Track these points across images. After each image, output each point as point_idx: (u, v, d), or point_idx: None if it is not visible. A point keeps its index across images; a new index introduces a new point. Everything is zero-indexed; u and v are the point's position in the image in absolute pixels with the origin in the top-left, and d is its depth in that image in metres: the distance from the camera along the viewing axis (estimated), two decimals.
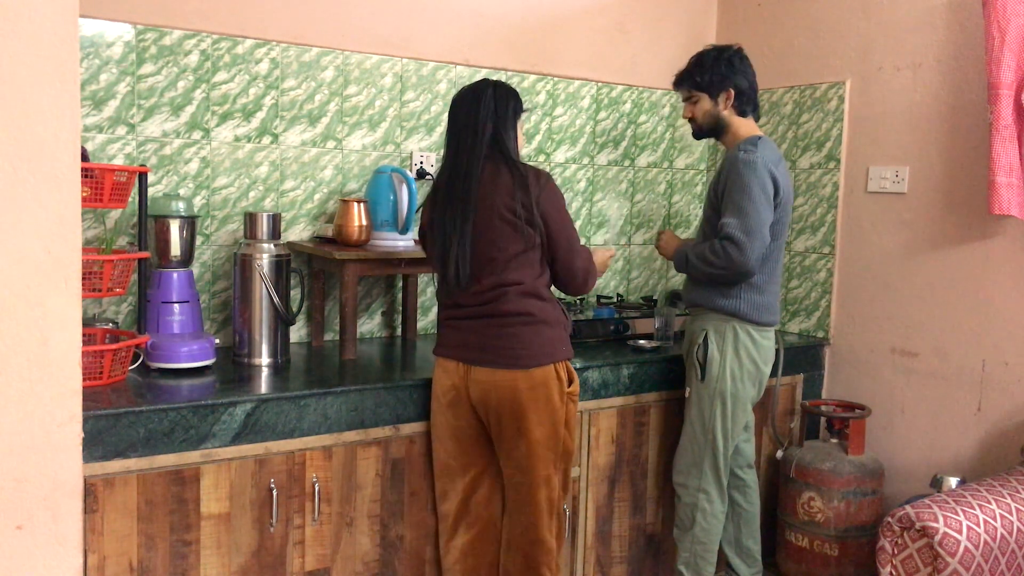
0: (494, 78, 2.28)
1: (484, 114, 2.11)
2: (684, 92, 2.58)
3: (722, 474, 2.50)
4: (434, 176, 2.89)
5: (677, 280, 3.57)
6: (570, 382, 2.18)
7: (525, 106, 2.23)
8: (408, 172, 2.67)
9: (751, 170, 2.35)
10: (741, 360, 2.46)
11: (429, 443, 2.29)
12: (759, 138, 2.46)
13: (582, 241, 3.04)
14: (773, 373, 2.67)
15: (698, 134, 2.61)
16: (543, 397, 2.10)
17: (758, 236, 2.34)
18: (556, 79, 3.17)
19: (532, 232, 2.09)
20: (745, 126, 2.51)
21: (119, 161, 2.43)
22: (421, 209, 2.29)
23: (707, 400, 2.48)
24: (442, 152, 2.24)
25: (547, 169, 3.09)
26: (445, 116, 2.92)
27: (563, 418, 2.15)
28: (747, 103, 2.51)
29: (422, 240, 2.27)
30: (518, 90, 2.26)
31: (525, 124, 2.26)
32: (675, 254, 2.57)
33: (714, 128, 2.54)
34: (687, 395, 2.55)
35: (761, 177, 2.36)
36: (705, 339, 2.48)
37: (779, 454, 2.92)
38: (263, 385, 2.21)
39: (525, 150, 3.00)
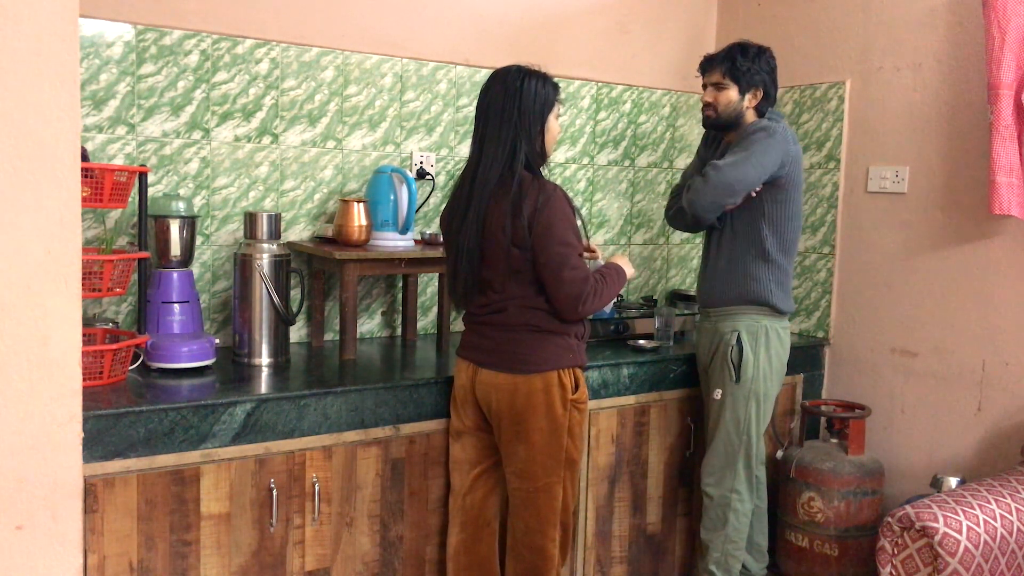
0: (530, 66, 2.11)
1: (508, 122, 2.05)
2: (715, 76, 2.48)
3: (753, 473, 2.52)
4: (437, 175, 2.91)
5: (677, 280, 3.57)
6: (575, 389, 2.15)
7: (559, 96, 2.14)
8: (408, 172, 2.67)
9: (767, 135, 2.38)
10: (771, 358, 2.49)
11: (429, 443, 2.29)
12: (782, 115, 2.51)
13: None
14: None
15: (711, 123, 2.54)
16: (543, 403, 2.09)
17: (727, 188, 2.35)
18: (556, 79, 3.16)
19: (523, 255, 2.05)
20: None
21: (119, 161, 2.43)
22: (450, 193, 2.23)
23: (742, 401, 2.48)
24: (469, 142, 2.16)
25: (547, 171, 3.08)
26: (445, 116, 2.95)
27: (565, 425, 2.13)
28: (766, 107, 2.51)
29: (441, 224, 2.26)
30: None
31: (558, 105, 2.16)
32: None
33: (730, 122, 2.50)
34: (717, 397, 2.53)
35: (771, 144, 2.36)
36: (739, 339, 2.47)
37: (779, 454, 2.92)
38: (263, 385, 2.21)
39: None
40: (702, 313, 2.65)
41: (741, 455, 2.50)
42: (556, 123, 2.16)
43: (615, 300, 3.19)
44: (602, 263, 2.29)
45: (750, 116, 2.49)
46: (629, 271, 2.29)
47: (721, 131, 2.57)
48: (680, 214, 2.55)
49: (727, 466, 2.52)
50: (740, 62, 2.45)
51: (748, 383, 2.47)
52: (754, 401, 2.48)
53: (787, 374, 2.62)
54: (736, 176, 2.35)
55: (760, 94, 2.48)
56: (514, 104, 2.05)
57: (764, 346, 2.48)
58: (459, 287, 2.15)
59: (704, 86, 2.54)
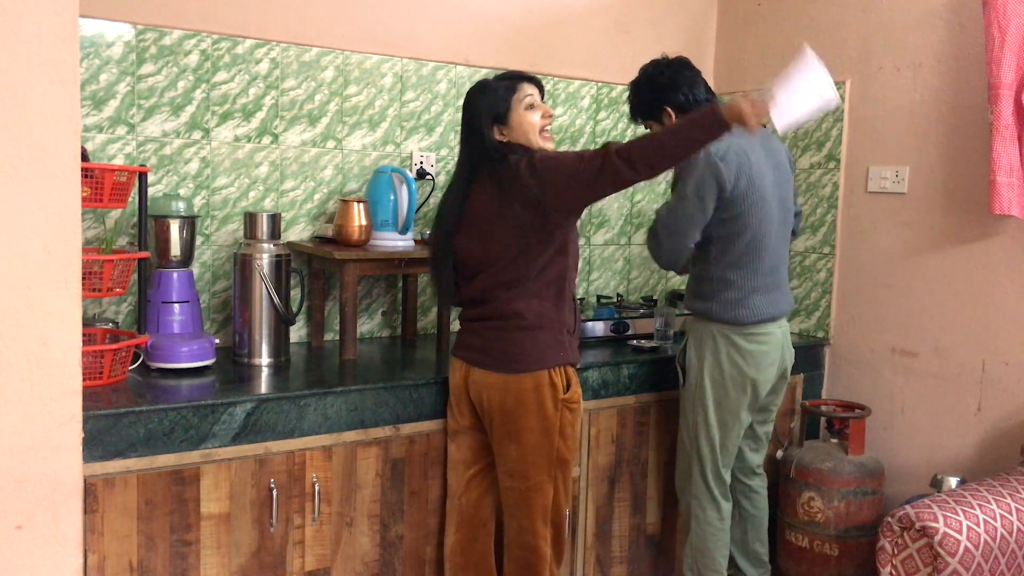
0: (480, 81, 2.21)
1: (469, 135, 2.14)
2: (642, 126, 2.59)
3: (711, 482, 2.45)
4: (437, 176, 2.91)
5: (677, 280, 3.57)
6: (567, 388, 2.14)
7: (521, 83, 2.15)
8: (408, 172, 2.67)
9: (689, 170, 2.32)
10: (722, 366, 2.39)
11: (429, 443, 2.29)
12: None
13: (582, 241, 3.04)
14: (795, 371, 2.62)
15: None
16: (533, 402, 2.09)
17: (675, 236, 2.33)
18: (556, 79, 3.17)
19: (537, 215, 2.03)
20: None
21: (119, 161, 2.43)
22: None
23: (688, 405, 2.47)
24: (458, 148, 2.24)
25: None
26: (445, 116, 2.95)
27: (556, 425, 2.12)
28: (690, 110, 2.42)
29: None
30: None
31: (527, 98, 2.15)
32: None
33: None
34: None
35: (697, 173, 2.30)
36: (686, 345, 2.47)
37: (779, 454, 2.91)
38: (263, 385, 2.21)
39: None
40: None
41: (694, 463, 2.46)
42: (526, 114, 2.14)
43: (616, 300, 3.19)
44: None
45: None
46: (734, 106, 1.84)
47: None
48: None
49: (686, 472, 2.50)
50: (633, 107, 2.51)
51: (692, 388, 2.44)
52: (700, 409, 2.42)
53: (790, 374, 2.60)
54: (678, 223, 2.33)
55: (669, 111, 2.43)
56: (466, 121, 2.16)
57: (712, 352, 2.40)
58: (443, 283, 2.21)
59: None
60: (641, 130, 3.36)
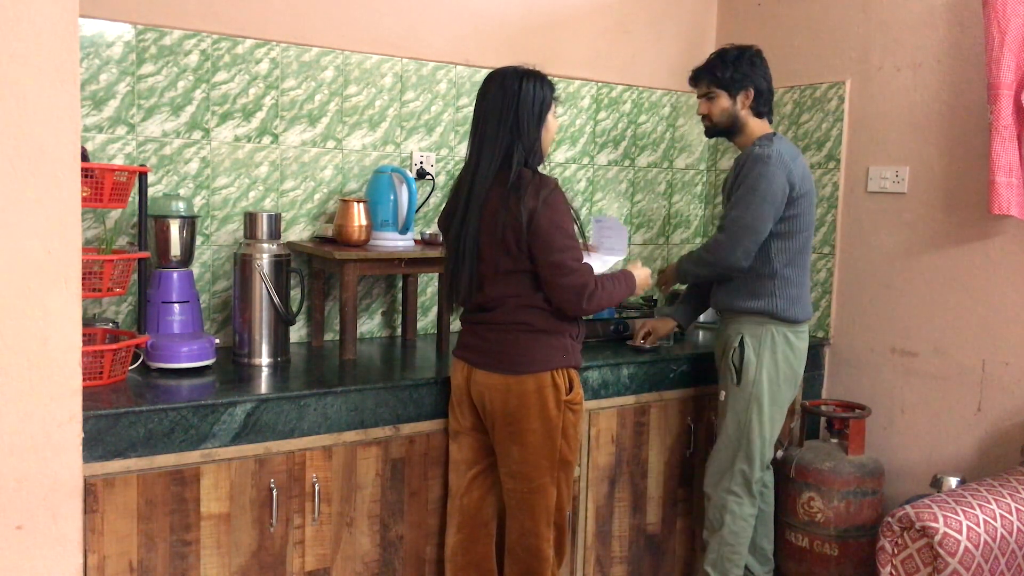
0: (525, 67, 2.12)
1: (506, 124, 2.05)
2: (703, 88, 2.54)
3: (753, 478, 2.50)
4: (437, 175, 2.91)
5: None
6: (569, 390, 2.14)
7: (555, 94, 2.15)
8: (408, 172, 2.67)
9: (764, 165, 2.37)
10: (778, 363, 2.46)
11: (429, 443, 2.30)
12: (774, 135, 2.48)
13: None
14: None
15: (711, 132, 2.59)
16: (536, 404, 2.09)
17: (751, 232, 2.36)
18: (556, 79, 3.15)
19: (519, 248, 2.04)
20: (760, 127, 2.51)
21: (119, 161, 2.43)
22: (447, 197, 2.25)
23: (742, 403, 2.48)
24: (467, 143, 2.16)
25: (547, 170, 3.08)
26: (445, 116, 2.95)
27: (559, 426, 2.12)
28: (764, 104, 2.50)
29: (439, 226, 2.28)
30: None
31: (557, 110, 2.18)
32: (677, 268, 2.61)
33: (729, 128, 2.53)
34: (722, 399, 2.54)
35: (772, 173, 2.36)
36: (741, 342, 2.47)
37: (779, 454, 2.91)
38: (263, 385, 2.21)
39: None
40: (719, 316, 2.66)
41: (740, 458, 2.49)
42: (555, 122, 2.17)
43: None
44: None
45: (750, 118, 2.50)
46: (640, 277, 2.29)
47: (724, 137, 2.60)
48: (712, 272, 2.52)
49: (726, 467, 2.52)
50: (721, 69, 2.49)
51: (748, 386, 2.46)
52: (755, 404, 2.46)
53: None
54: (753, 217, 2.37)
55: (751, 93, 2.48)
56: (512, 106, 2.06)
57: (769, 350, 2.46)
58: (462, 288, 2.13)
59: (698, 98, 2.59)
60: (643, 126, 3.36)
